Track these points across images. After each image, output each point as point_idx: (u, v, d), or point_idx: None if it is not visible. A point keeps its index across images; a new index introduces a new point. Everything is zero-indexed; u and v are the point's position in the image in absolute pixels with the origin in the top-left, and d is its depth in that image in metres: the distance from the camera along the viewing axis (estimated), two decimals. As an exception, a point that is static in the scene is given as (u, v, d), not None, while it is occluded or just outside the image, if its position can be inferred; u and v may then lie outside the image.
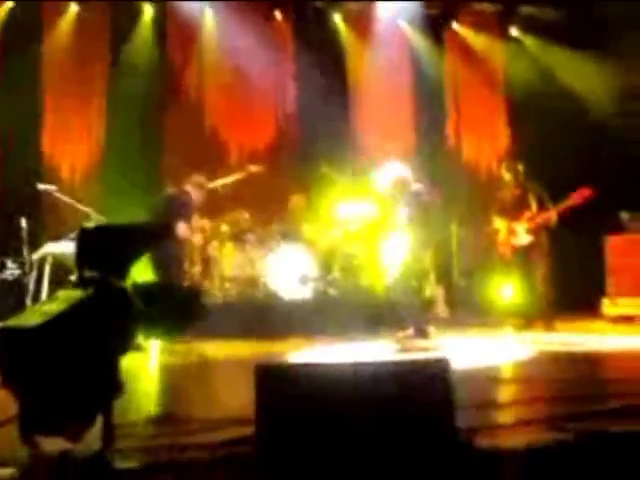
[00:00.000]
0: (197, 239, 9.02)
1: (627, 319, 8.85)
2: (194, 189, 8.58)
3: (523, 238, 8.42)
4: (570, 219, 8.35)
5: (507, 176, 8.69)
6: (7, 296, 8.50)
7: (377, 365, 2.99)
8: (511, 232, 8.49)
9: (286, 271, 9.26)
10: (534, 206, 8.42)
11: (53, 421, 2.91)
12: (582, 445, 3.09)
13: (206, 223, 9.15)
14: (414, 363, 3.04)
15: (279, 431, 2.79)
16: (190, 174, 8.82)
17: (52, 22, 10.47)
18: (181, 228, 8.28)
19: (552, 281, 8.45)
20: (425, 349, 7.01)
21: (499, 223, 8.64)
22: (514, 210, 8.52)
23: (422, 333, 7.59)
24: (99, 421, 3.01)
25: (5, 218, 9.08)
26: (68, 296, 3.05)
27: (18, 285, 8.67)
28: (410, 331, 7.69)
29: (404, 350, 7.01)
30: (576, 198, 8.11)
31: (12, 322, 2.99)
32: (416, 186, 7.92)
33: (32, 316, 2.92)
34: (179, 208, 8.39)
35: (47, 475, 2.78)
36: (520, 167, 8.68)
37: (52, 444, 2.98)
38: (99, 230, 3.71)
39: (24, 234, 8.70)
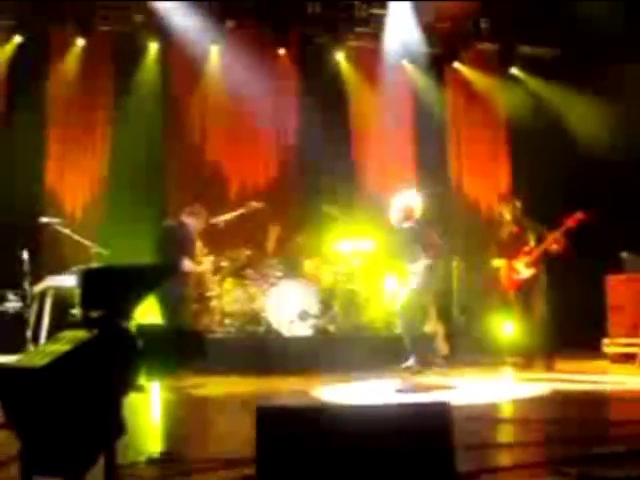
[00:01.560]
0: (206, 266, 9.00)
1: (627, 358, 8.84)
2: (191, 218, 8.54)
3: (523, 272, 8.43)
4: (572, 259, 8.38)
5: (504, 214, 8.73)
6: (7, 329, 8.50)
7: (378, 408, 3.00)
8: (512, 269, 8.51)
9: (286, 307, 9.26)
10: (532, 242, 8.45)
11: (55, 462, 2.91)
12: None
13: (207, 259, 9.15)
14: (415, 407, 3.04)
15: (280, 472, 2.79)
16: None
17: (58, 56, 10.59)
18: (185, 263, 8.26)
19: (553, 320, 8.46)
20: (428, 388, 6.98)
21: (499, 262, 8.67)
22: (512, 247, 8.54)
23: (426, 365, 7.66)
24: (101, 461, 3.02)
25: (7, 250, 9.11)
26: (72, 336, 3.06)
27: (19, 318, 8.68)
28: (412, 362, 7.76)
29: (408, 388, 6.99)
30: (570, 222, 8.17)
31: (17, 362, 3.01)
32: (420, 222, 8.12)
33: (37, 356, 2.94)
34: (180, 242, 8.36)
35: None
36: (518, 204, 8.72)
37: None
38: (105, 270, 3.74)
39: (25, 267, 8.71)
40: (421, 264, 7.98)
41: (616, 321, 9.14)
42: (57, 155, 10.54)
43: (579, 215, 8.16)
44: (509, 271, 8.54)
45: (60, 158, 10.54)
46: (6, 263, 9.04)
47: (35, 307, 8.80)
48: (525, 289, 8.45)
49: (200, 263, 8.80)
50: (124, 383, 3.09)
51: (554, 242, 8.27)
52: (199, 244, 8.81)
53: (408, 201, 8.26)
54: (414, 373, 7.75)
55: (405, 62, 11.70)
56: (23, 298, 8.75)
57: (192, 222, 8.49)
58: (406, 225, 8.16)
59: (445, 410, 2.90)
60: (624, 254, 9.26)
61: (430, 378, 7.54)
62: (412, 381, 7.38)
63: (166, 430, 5.31)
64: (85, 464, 2.95)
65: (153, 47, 11.04)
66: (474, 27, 11.59)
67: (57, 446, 2.89)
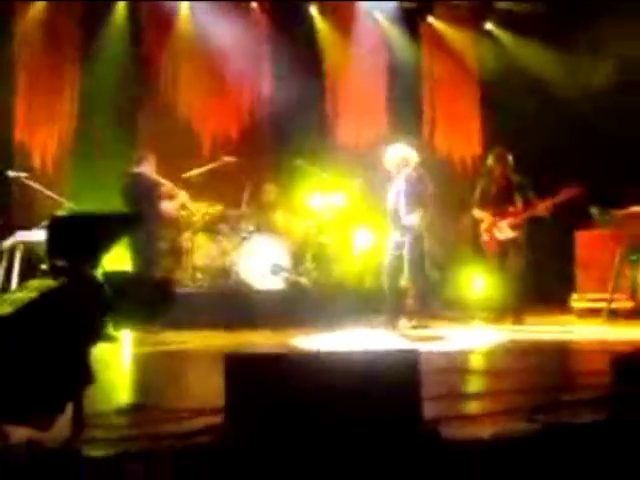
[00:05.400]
0: (184, 198, 8.88)
1: (594, 313, 8.94)
2: (141, 165, 8.45)
3: (506, 232, 8.44)
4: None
5: (493, 165, 8.66)
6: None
7: (345, 355, 3.02)
8: (494, 225, 8.51)
9: (258, 261, 9.26)
10: (518, 200, 8.45)
11: (22, 410, 2.91)
12: (549, 436, 3.13)
13: (183, 193, 9.01)
14: (383, 354, 3.07)
15: (247, 420, 2.81)
16: (161, 163, 8.77)
17: (23, 8, 10.35)
18: (166, 208, 8.17)
19: (524, 276, 8.52)
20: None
21: (481, 214, 8.66)
22: (497, 202, 8.52)
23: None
24: (69, 410, 3.02)
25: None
26: (39, 285, 3.05)
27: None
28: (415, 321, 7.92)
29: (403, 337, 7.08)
30: (565, 195, 8.17)
31: (-19, 310, 2.99)
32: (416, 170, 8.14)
33: (2, 305, 2.92)
34: (146, 192, 8.28)
35: (16, 464, 2.77)
36: (510, 157, 8.64)
37: (21, 433, 2.98)
38: (70, 219, 3.71)
39: (-6, 222, 8.63)
40: (416, 217, 7.95)
41: (585, 276, 9.19)
42: (25, 108, 10.36)
43: (576, 190, 8.14)
44: (491, 226, 8.52)
45: (28, 111, 10.36)
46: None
47: (4, 263, 8.70)
48: (503, 247, 8.48)
49: (174, 196, 8.71)
50: (92, 332, 3.08)
51: (545, 210, 8.28)
52: (164, 182, 8.69)
53: (403, 152, 8.23)
54: (414, 327, 7.85)
55: (379, 15, 11.59)
56: (-8, 254, 8.65)
57: (145, 168, 8.42)
58: (403, 173, 8.13)
59: (413, 358, 2.93)
60: (593, 209, 9.28)
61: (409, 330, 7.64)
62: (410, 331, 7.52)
63: (136, 382, 5.32)
64: (53, 412, 2.94)
65: (122, 2, 10.83)
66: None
67: (24, 394, 2.89)
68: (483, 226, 8.62)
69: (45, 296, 2.93)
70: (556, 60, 10.82)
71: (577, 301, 9.19)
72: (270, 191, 10.18)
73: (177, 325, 7.29)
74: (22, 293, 3.02)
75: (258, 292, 9.11)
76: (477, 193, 8.79)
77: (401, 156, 8.18)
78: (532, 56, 11.16)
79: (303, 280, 9.44)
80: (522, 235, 8.48)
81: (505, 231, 8.44)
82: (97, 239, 3.27)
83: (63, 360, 2.97)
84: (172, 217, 9.00)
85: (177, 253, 9.46)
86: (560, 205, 8.27)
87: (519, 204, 8.43)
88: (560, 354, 6.29)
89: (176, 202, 8.65)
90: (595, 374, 4.90)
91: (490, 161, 8.77)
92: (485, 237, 8.62)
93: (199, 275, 9.41)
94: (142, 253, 7.75)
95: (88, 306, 3.08)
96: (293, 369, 2.85)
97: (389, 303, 8.13)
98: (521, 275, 8.48)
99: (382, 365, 2.85)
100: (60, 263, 3.16)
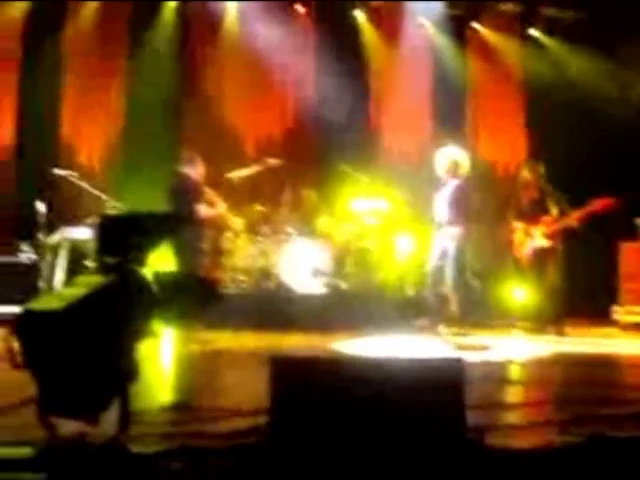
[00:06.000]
0: (223, 208, 8.93)
1: (638, 326, 8.82)
2: (188, 167, 8.53)
3: (540, 241, 8.41)
4: (586, 225, 8.33)
5: (528, 177, 8.65)
6: (21, 280, 8.54)
7: (392, 362, 3.02)
8: (528, 234, 8.49)
9: (299, 264, 9.28)
10: (553, 210, 8.40)
11: (71, 404, 2.95)
12: (591, 449, 3.10)
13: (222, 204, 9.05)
14: (429, 361, 3.06)
15: (292, 422, 2.82)
16: (205, 163, 8.83)
17: (75, 10, 10.52)
18: (201, 210, 8.26)
19: (565, 287, 8.45)
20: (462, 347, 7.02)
21: (516, 224, 8.65)
22: (532, 212, 8.50)
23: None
24: (115, 406, 3.06)
25: (23, 202, 9.14)
26: (88, 282, 3.09)
27: (33, 269, 8.72)
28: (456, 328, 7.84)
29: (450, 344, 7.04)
30: (597, 205, 8.09)
31: (34, 305, 3.04)
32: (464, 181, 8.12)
33: (54, 300, 2.97)
34: (187, 194, 8.35)
35: (63, 457, 2.81)
36: (542, 169, 8.63)
37: (69, 427, 3.03)
38: (120, 218, 3.76)
39: (40, 218, 8.75)
40: (457, 229, 7.93)
41: (628, 289, 9.08)
42: (73, 107, 10.54)
43: (607, 201, 8.05)
44: (525, 235, 8.51)
45: (76, 110, 10.54)
46: (21, 214, 9.09)
47: (49, 258, 8.82)
48: (539, 257, 8.43)
49: (214, 205, 8.77)
50: (139, 329, 3.12)
51: (577, 221, 8.21)
52: (209, 190, 8.75)
53: (455, 156, 8.20)
54: (454, 334, 7.81)
55: (425, 21, 11.57)
56: (37, 249, 8.79)
57: (191, 171, 8.48)
58: (452, 182, 8.10)
59: (458, 366, 2.92)
60: (638, 220, 9.18)
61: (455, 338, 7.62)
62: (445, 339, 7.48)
63: (179, 380, 5.37)
64: (99, 407, 2.99)
65: (171, 2, 10.96)
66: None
67: (72, 388, 2.93)
68: (517, 236, 8.59)
69: (95, 293, 2.97)
70: (602, 68, 10.70)
71: (621, 314, 9.08)
72: (310, 195, 10.19)
73: (218, 325, 7.33)
74: (73, 289, 3.07)
75: (298, 295, 9.12)
76: (513, 204, 8.78)
77: (452, 159, 8.14)
78: (578, 64, 11.06)
79: (343, 285, 9.44)
80: (558, 245, 8.42)
81: (539, 240, 8.41)
82: (145, 238, 3.31)
83: (111, 356, 3.02)
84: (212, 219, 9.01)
85: (218, 254, 9.49)
86: (592, 215, 8.18)
87: (554, 214, 8.38)
88: (603, 367, 6.21)
89: (214, 210, 8.69)
90: (638, 388, 4.86)
91: (524, 173, 8.76)
92: (519, 247, 8.58)
93: (240, 276, 9.45)
94: (185, 253, 7.79)
95: (136, 303, 3.12)
96: (338, 373, 2.86)
97: (431, 310, 8.11)
98: (559, 285, 8.41)
99: (428, 372, 2.85)
100: (110, 261, 3.20)
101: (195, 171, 8.47)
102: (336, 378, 2.81)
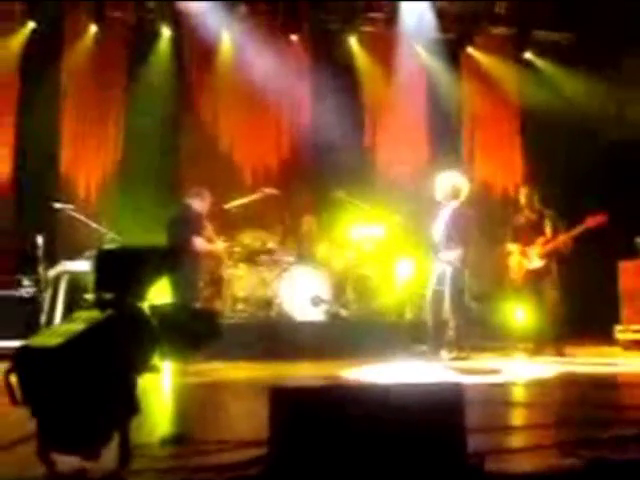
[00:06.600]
0: (220, 246, 9.01)
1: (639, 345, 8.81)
2: (195, 200, 8.61)
3: (535, 262, 8.45)
4: (584, 244, 8.36)
5: (524, 200, 8.72)
6: (22, 314, 8.54)
7: (391, 387, 3.02)
8: (523, 256, 8.53)
9: (299, 292, 9.28)
10: (548, 232, 8.45)
11: (70, 440, 2.95)
12: (593, 472, 3.09)
13: (220, 243, 9.18)
14: (427, 386, 3.06)
15: (292, 452, 2.82)
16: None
17: (72, 42, 10.64)
18: (197, 242, 8.33)
19: (564, 306, 8.46)
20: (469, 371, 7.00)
21: (512, 247, 8.68)
22: (528, 235, 8.56)
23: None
24: (115, 441, 3.05)
25: (22, 235, 9.16)
26: (86, 317, 3.09)
27: (33, 302, 8.72)
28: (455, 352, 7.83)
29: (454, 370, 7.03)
30: (590, 223, 8.13)
31: (33, 341, 3.04)
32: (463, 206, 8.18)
33: (52, 336, 2.97)
34: (187, 225, 8.42)
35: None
36: (537, 192, 8.70)
37: (68, 462, 3.02)
38: (117, 252, 3.77)
39: (40, 252, 8.77)
40: (455, 253, 7.94)
41: (630, 308, 9.10)
42: (71, 140, 10.62)
43: (599, 218, 8.10)
44: (521, 257, 8.55)
45: (74, 143, 10.63)
46: (21, 248, 9.11)
47: (49, 292, 8.84)
48: (535, 278, 8.47)
49: (212, 242, 8.83)
50: (138, 363, 3.12)
51: (563, 245, 8.27)
52: (209, 226, 8.82)
53: (455, 180, 8.23)
54: (454, 358, 7.79)
55: (419, 47, 11.66)
56: (37, 283, 8.80)
57: (196, 204, 8.57)
58: (451, 206, 8.12)
59: (458, 390, 2.92)
60: (638, 239, 9.21)
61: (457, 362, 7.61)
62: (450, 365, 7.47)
63: (179, 412, 5.35)
64: (100, 442, 2.98)
65: (166, 33, 11.08)
66: (489, 11, 11.54)
67: (72, 424, 2.93)
68: (514, 258, 8.62)
69: (93, 328, 2.98)
70: (597, 89, 10.77)
71: (622, 333, 9.08)
72: (309, 222, 10.22)
73: (218, 356, 7.31)
74: (71, 324, 3.07)
75: (299, 323, 9.12)
76: (510, 228, 8.83)
77: (452, 184, 8.17)
78: (572, 86, 11.14)
79: (343, 312, 9.44)
80: (553, 265, 8.45)
81: (534, 260, 8.43)
82: (143, 272, 3.32)
83: (110, 390, 3.01)
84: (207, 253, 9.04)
85: (218, 284, 9.52)
86: (587, 233, 8.21)
87: (548, 235, 8.42)
88: (605, 387, 6.18)
89: (211, 247, 8.74)
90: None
91: (519, 196, 8.88)
92: (516, 268, 8.61)
93: (240, 306, 9.46)
94: (183, 286, 7.82)
95: (135, 337, 3.12)
96: (337, 402, 2.85)
97: (431, 335, 8.10)
98: (557, 305, 8.42)
99: (427, 398, 2.84)
100: (107, 295, 3.21)
101: (200, 204, 8.57)
102: (336, 407, 2.81)
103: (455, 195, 8.15)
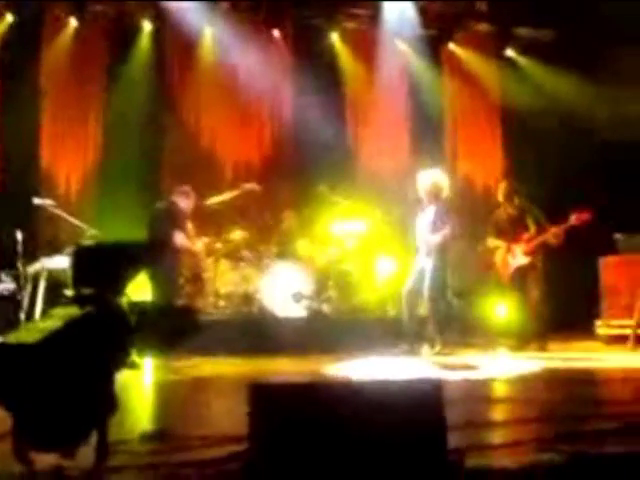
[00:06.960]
0: (199, 246, 9.01)
1: (620, 340, 8.85)
2: (180, 198, 8.64)
3: (520, 259, 8.47)
4: (566, 240, 8.39)
5: (502, 196, 8.76)
6: (1, 310, 8.47)
7: (370, 384, 3.01)
8: (509, 252, 8.55)
9: (280, 288, 9.26)
10: (532, 227, 8.48)
11: (48, 437, 2.92)
12: (573, 466, 3.09)
13: (201, 240, 9.16)
14: (406, 383, 3.05)
15: (271, 448, 2.80)
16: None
17: (51, 37, 10.53)
18: (178, 238, 8.32)
19: (546, 303, 8.49)
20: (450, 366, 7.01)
21: (496, 243, 8.70)
22: (511, 231, 8.58)
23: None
24: (93, 437, 3.02)
25: (2, 232, 9.08)
26: (64, 313, 3.07)
27: (12, 299, 8.65)
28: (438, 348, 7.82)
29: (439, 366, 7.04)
30: (575, 220, 8.16)
31: (9, 339, 3.01)
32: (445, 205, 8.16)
33: (29, 333, 2.94)
34: (170, 220, 8.43)
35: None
36: (517, 188, 8.73)
37: (46, 460, 2.99)
38: (95, 248, 3.74)
39: (19, 248, 8.69)
40: (436, 250, 7.94)
41: (609, 303, 9.15)
42: (51, 136, 10.51)
43: (584, 215, 8.13)
44: (506, 254, 8.58)
45: (54, 139, 10.52)
46: (0, 244, 9.02)
47: (29, 288, 8.76)
48: (520, 275, 8.50)
49: (193, 242, 8.83)
50: (117, 360, 3.10)
51: (554, 237, 8.29)
52: (190, 226, 8.81)
53: (437, 179, 8.23)
54: (436, 354, 7.79)
55: (401, 43, 11.65)
56: (17, 279, 8.72)
57: (182, 202, 8.60)
58: (433, 204, 8.12)
59: (437, 386, 2.92)
60: (618, 235, 9.26)
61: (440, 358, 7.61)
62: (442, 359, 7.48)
63: (159, 408, 5.33)
64: (77, 439, 2.95)
65: (147, 28, 10.99)
66: (470, 8, 11.56)
67: (49, 421, 2.90)
68: (499, 254, 8.64)
69: (71, 324, 2.95)
70: (577, 87, 10.80)
71: (603, 328, 9.12)
72: (289, 218, 10.20)
73: (199, 352, 7.29)
74: (49, 321, 3.04)
75: (280, 320, 9.10)
76: (491, 223, 8.83)
77: (433, 183, 8.17)
78: (553, 83, 11.17)
79: (325, 308, 9.43)
80: (538, 261, 8.49)
81: (519, 257, 8.48)
82: (121, 268, 3.30)
83: (88, 387, 2.99)
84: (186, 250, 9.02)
85: (199, 280, 9.48)
86: (571, 230, 8.25)
87: (532, 231, 8.45)
88: (586, 382, 6.21)
89: (190, 245, 8.75)
90: (622, 403, 4.86)
91: (500, 195, 8.85)
92: (502, 265, 8.63)
93: (221, 302, 9.43)
94: (164, 281, 7.81)
95: (113, 334, 3.10)
96: (316, 398, 2.84)
97: (408, 331, 8.10)
98: (541, 301, 8.46)
99: (407, 394, 2.84)
100: (85, 292, 3.18)
101: (185, 203, 8.59)
102: (315, 403, 2.80)
103: (436, 193, 8.14)
